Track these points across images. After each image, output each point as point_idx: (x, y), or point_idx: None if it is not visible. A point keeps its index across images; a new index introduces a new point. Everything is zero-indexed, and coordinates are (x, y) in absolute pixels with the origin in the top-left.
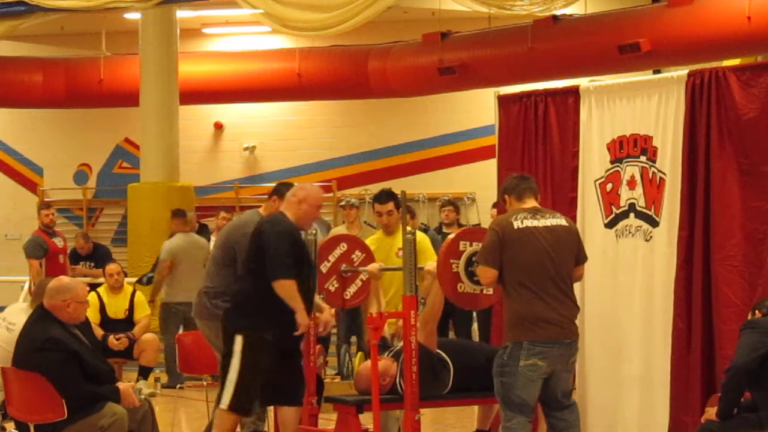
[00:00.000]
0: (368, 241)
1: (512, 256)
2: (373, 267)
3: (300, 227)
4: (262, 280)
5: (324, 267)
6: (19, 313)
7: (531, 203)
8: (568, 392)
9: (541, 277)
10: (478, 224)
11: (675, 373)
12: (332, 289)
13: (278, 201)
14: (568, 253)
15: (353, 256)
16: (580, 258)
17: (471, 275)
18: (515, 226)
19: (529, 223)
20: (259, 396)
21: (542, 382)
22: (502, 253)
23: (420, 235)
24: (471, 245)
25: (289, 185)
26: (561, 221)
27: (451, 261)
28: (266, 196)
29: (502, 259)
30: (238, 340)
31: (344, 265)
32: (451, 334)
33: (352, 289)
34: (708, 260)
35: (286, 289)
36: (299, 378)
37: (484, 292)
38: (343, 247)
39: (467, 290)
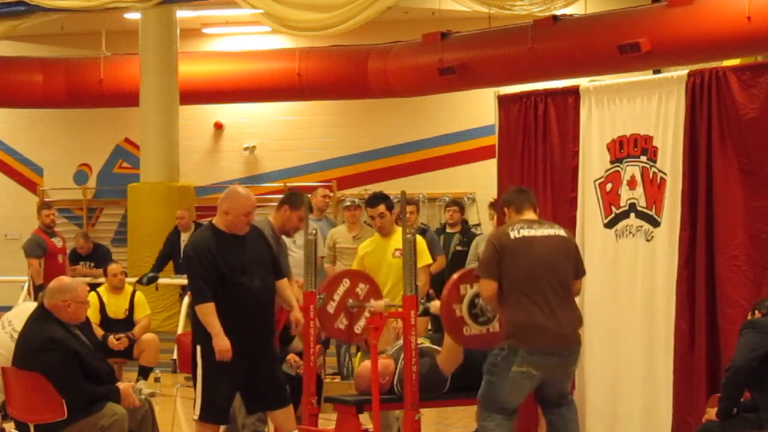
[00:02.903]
0: (364, 244)
1: (510, 265)
2: (379, 305)
3: (234, 233)
4: None
5: (330, 307)
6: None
7: (530, 215)
8: (564, 393)
9: (539, 284)
10: (478, 224)
11: (678, 374)
12: (342, 327)
13: (289, 211)
14: (567, 262)
15: (357, 289)
16: (579, 271)
17: (475, 317)
18: (512, 236)
19: (526, 232)
20: (228, 404)
21: (537, 386)
22: (500, 264)
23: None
24: (471, 287)
25: (298, 195)
26: (559, 232)
27: (454, 306)
28: (265, 196)
29: (500, 269)
30: (198, 351)
31: (351, 300)
32: None
33: (361, 323)
34: (711, 260)
35: (200, 313)
36: (277, 381)
37: (490, 330)
38: (346, 283)
39: (473, 332)
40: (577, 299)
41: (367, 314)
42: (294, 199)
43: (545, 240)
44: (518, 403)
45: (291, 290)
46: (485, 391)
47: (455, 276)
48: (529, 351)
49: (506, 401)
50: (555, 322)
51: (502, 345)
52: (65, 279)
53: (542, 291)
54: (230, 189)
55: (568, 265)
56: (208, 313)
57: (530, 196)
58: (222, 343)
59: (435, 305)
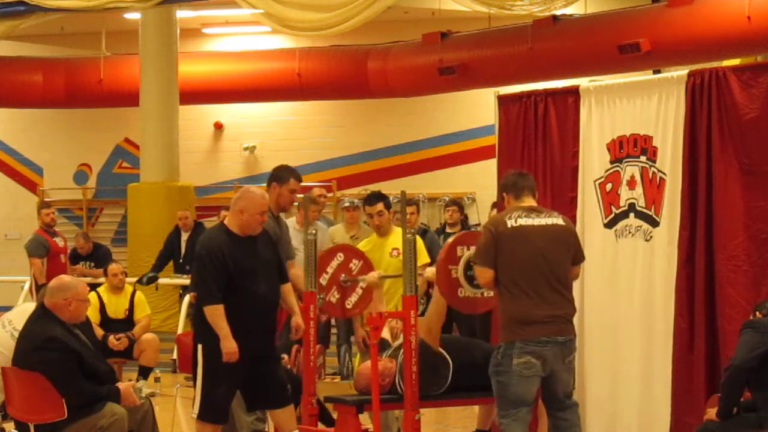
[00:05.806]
0: (362, 243)
1: (505, 255)
2: (372, 276)
3: (247, 234)
4: None
5: (323, 279)
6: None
7: (529, 202)
8: (569, 393)
9: (533, 276)
10: (478, 224)
11: (677, 374)
12: (333, 300)
13: (278, 187)
14: (564, 252)
15: (351, 265)
16: (577, 258)
17: (470, 279)
18: (509, 225)
19: (524, 221)
20: (227, 403)
21: (541, 382)
22: (497, 252)
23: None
24: (468, 249)
25: (283, 168)
26: (558, 220)
27: (450, 267)
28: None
29: (496, 258)
30: (200, 350)
31: (343, 275)
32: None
33: (353, 299)
34: (711, 260)
35: (209, 315)
36: (278, 381)
37: (485, 295)
38: (340, 257)
39: (468, 294)
40: (576, 298)
41: (359, 289)
42: (280, 174)
43: (542, 230)
44: (530, 397)
45: (294, 295)
46: (497, 391)
47: (452, 238)
48: (524, 341)
49: (517, 396)
50: (546, 312)
51: (500, 343)
52: (65, 277)
53: (535, 282)
54: (244, 189)
55: (565, 256)
56: (218, 315)
57: (529, 180)
58: (230, 346)
59: (430, 271)
